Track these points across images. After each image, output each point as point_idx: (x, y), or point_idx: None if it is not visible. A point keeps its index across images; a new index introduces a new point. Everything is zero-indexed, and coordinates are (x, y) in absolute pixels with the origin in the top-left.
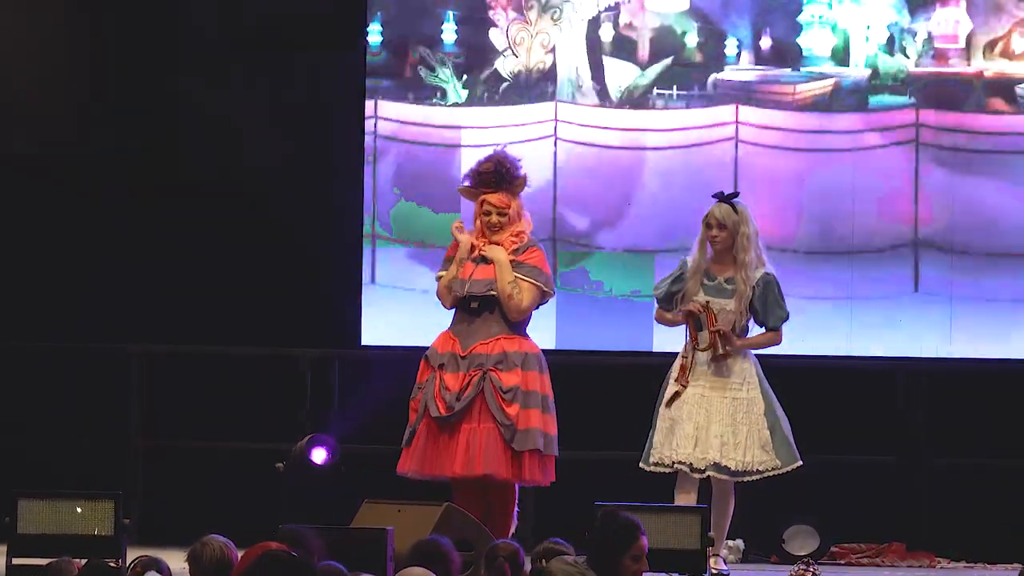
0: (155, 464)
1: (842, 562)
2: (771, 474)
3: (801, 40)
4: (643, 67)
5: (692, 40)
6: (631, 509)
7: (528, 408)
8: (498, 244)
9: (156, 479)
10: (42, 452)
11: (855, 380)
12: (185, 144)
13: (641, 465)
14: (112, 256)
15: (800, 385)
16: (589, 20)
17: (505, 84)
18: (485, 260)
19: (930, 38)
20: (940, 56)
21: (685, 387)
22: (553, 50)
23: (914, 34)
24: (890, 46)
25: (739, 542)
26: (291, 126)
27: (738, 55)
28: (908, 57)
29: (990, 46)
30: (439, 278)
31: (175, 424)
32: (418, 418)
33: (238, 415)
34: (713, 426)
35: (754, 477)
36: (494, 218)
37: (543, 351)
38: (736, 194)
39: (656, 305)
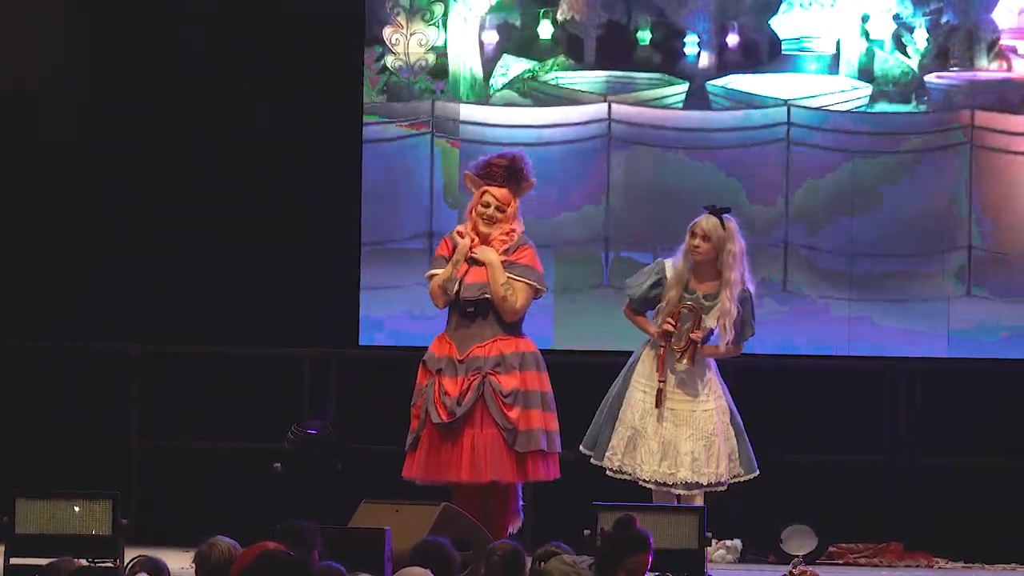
0: (154, 464)
1: (840, 562)
2: (734, 481)
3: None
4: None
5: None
6: (630, 509)
7: (529, 408)
8: (487, 243)
9: (155, 479)
10: (41, 452)
11: (855, 380)
12: (185, 144)
13: (583, 450)
14: (112, 256)
15: (799, 385)
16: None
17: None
18: (477, 262)
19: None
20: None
21: (663, 382)
22: (434, 48)
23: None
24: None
25: (737, 542)
26: (291, 126)
27: (697, 54)
28: (910, 57)
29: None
30: (431, 277)
31: (174, 424)
32: (420, 424)
33: (238, 415)
34: (683, 443)
35: (722, 488)
36: (492, 211)
37: (542, 351)
38: (728, 209)
39: (628, 301)
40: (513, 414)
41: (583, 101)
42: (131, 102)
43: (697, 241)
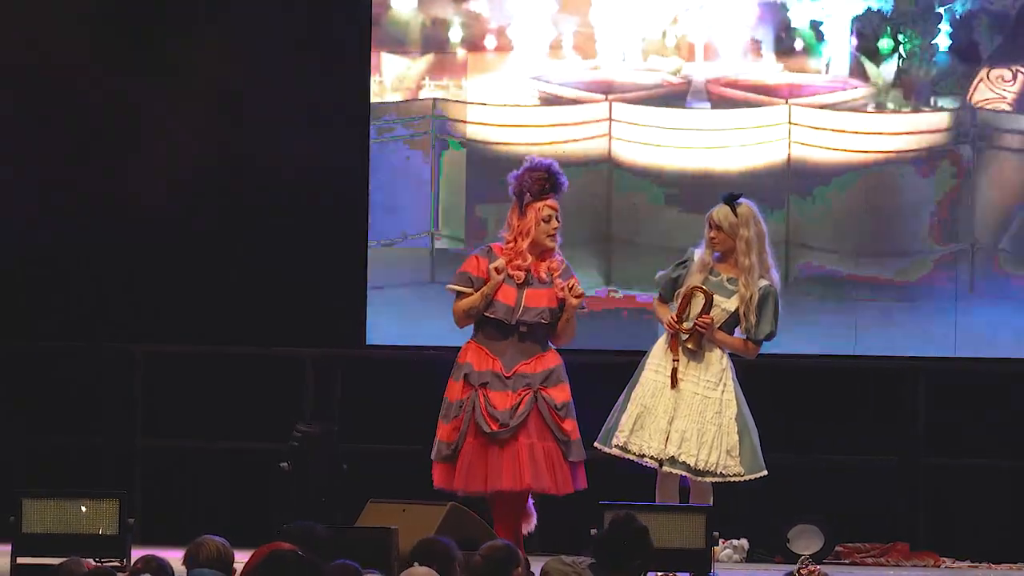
0: (157, 464)
1: (847, 561)
2: (733, 480)
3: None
4: None
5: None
6: (637, 509)
7: (573, 419)
8: (544, 261)
9: (158, 479)
10: (45, 452)
11: (860, 380)
12: (186, 143)
13: (597, 445)
14: (115, 255)
15: (805, 385)
16: None
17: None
18: (528, 284)
19: None
20: None
21: (677, 361)
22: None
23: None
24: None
25: (743, 541)
26: (294, 125)
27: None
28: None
29: None
30: (457, 292)
31: (178, 424)
32: (461, 437)
33: (241, 415)
34: (677, 420)
35: (715, 479)
36: (554, 223)
37: None
38: (739, 195)
39: (656, 295)
40: (568, 426)
41: None
42: (130, 104)
43: (712, 232)
